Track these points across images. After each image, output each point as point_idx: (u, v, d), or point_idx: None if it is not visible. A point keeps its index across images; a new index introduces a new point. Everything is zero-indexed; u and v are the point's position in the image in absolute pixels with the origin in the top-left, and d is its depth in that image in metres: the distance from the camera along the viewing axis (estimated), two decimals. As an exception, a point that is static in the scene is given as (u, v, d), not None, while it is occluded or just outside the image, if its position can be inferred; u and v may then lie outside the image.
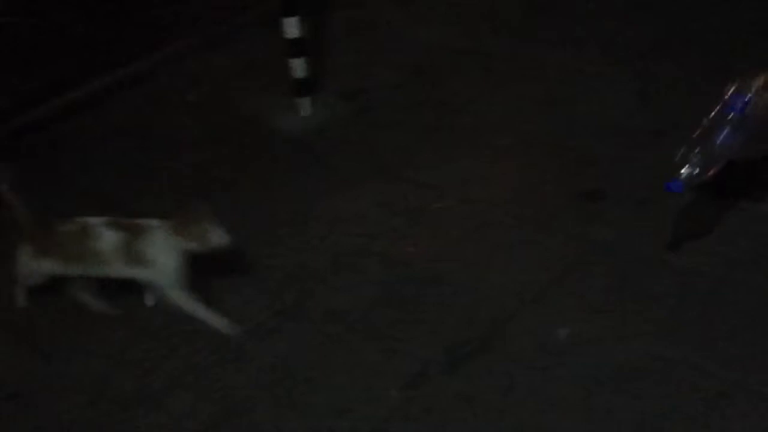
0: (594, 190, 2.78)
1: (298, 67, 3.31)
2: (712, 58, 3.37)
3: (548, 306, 2.36)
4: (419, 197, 2.84)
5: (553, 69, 3.48)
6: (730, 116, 2.21)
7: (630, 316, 2.29)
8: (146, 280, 2.42)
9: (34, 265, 2.44)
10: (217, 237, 2.33)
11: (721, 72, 2.44)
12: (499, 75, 3.50)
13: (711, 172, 2.21)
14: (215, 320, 2.39)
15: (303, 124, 3.33)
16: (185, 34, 3.93)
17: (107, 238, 2.36)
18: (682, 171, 2.20)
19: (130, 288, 2.45)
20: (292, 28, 3.23)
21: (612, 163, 2.89)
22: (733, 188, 2.63)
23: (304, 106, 3.38)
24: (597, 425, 2.00)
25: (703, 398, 2.03)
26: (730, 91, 2.24)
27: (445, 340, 2.28)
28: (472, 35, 3.82)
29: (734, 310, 2.27)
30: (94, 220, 2.39)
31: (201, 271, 2.38)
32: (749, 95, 2.21)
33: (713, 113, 2.23)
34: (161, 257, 2.35)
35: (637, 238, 2.56)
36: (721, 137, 2.21)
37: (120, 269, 2.38)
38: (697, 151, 2.20)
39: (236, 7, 4.12)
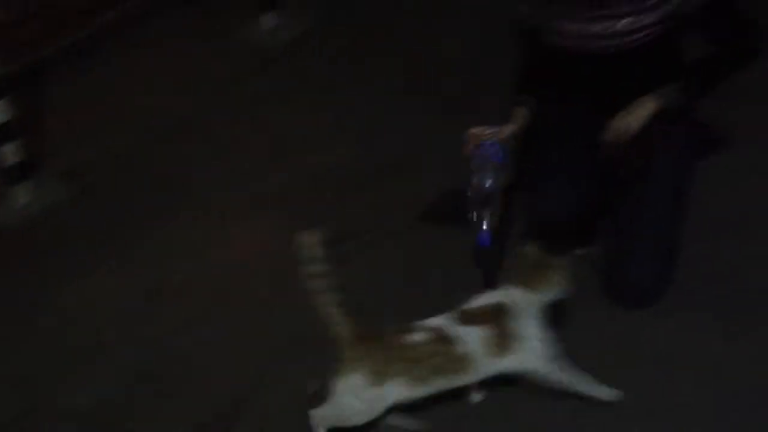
0: (332, 240, 2.81)
1: (10, 152, 3.10)
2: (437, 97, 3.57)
3: (304, 363, 2.34)
4: (154, 274, 2.74)
5: (275, 126, 3.53)
6: (489, 165, 2.34)
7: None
8: (512, 370, 1.99)
9: (369, 396, 1.90)
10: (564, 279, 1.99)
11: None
12: (224, 137, 3.48)
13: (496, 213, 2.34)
14: (599, 389, 2.02)
15: (20, 213, 3.11)
16: None
17: (471, 336, 1.93)
18: (482, 224, 2.30)
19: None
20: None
21: (346, 210, 2.95)
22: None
23: (21, 193, 3.16)
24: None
25: None
26: (472, 145, 2.37)
27: (196, 417, 2.19)
28: (196, 100, 3.78)
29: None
30: (439, 321, 1.96)
31: None
32: (496, 142, 2.34)
33: (474, 168, 2.35)
34: (531, 331, 1.95)
35: (376, 279, 2.62)
36: (489, 184, 2.33)
37: (485, 370, 1.96)
38: (479, 205, 2.32)
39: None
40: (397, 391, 1.93)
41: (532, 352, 1.97)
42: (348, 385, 1.92)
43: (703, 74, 2.31)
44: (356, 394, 1.92)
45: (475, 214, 2.32)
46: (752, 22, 2.27)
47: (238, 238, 2.89)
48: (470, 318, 1.98)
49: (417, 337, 1.94)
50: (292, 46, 4.18)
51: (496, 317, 1.98)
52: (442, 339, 1.94)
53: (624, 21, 2.24)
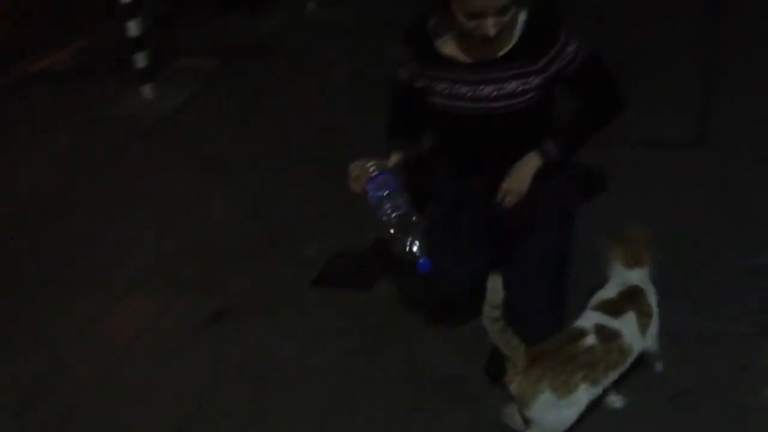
0: (222, 310, 2.77)
1: None
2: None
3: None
4: (36, 362, 2.62)
5: (159, 196, 3.47)
6: (390, 194, 2.26)
7: (274, 426, 2.29)
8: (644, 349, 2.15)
9: (565, 406, 1.98)
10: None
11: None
12: (110, 210, 3.40)
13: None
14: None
15: None
16: None
17: (628, 325, 2.09)
18: (416, 252, 2.20)
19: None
20: None
21: (233, 281, 2.91)
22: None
23: None
24: None
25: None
26: (362, 181, 2.29)
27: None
28: (71, 176, 3.68)
29: (359, 397, 2.37)
30: (592, 320, 2.09)
31: None
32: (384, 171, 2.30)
33: (373, 204, 2.27)
34: (656, 308, 2.15)
35: (271, 348, 2.58)
36: (400, 212, 2.25)
37: (636, 354, 2.11)
38: (403, 237, 2.22)
39: None
40: (587, 394, 2.03)
41: (656, 328, 2.17)
42: (542, 405, 2.00)
43: (579, 130, 2.42)
44: (553, 410, 2.01)
45: (404, 246, 2.23)
46: (617, 81, 2.40)
47: (125, 312, 2.80)
48: (617, 307, 2.13)
49: (588, 341, 2.05)
50: (174, 116, 4.15)
51: (637, 300, 2.14)
52: (609, 336, 2.07)
53: (513, 83, 2.32)
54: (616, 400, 2.20)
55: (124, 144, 3.93)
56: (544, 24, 2.31)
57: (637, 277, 2.20)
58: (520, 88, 2.32)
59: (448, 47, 2.36)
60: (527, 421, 2.05)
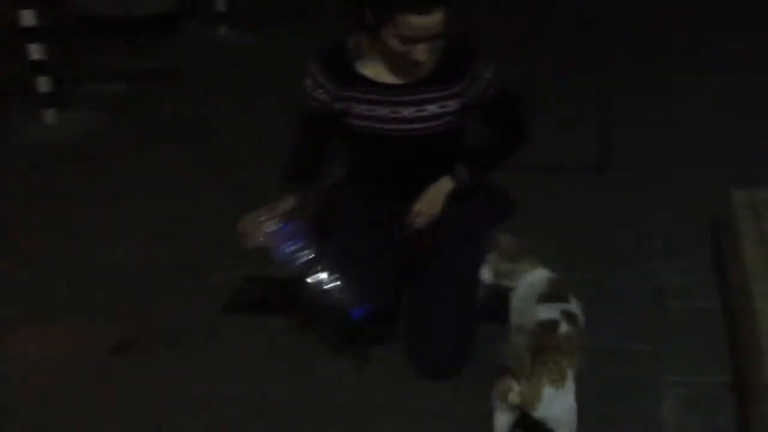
0: (127, 340, 2.70)
1: None
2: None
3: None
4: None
5: (65, 226, 3.38)
6: (298, 250, 2.22)
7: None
8: None
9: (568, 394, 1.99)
10: None
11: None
12: (7, 242, 3.28)
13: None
14: None
15: None
16: None
17: (577, 305, 2.19)
18: (346, 301, 2.20)
19: None
20: None
21: (138, 310, 2.85)
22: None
23: None
24: None
25: None
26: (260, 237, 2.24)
27: None
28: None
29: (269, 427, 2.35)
30: (552, 307, 2.13)
31: None
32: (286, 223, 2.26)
33: (282, 261, 2.23)
34: None
35: (179, 378, 2.53)
36: (305, 264, 2.22)
37: None
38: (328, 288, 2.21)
39: None
40: (571, 377, 2.03)
41: None
42: (547, 401, 1.98)
43: (489, 156, 2.50)
44: (557, 401, 2.00)
45: (331, 298, 2.20)
46: (524, 113, 2.51)
47: (28, 348, 2.70)
48: (562, 294, 2.19)
49: (562, 329, 2.08)
50: (78, 142, 4.06)
51: (570, 286, 2.24)
52: (574, 320, 2.12)
53: (432, 106, 2.36)
54: None
55: (26, 171, 3.82)
56: (464, 48, 2.38)
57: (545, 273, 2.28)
58: (439, 110, 2.37)
59: (369, 68, 2.37)
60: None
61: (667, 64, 4.37)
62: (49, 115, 4.18)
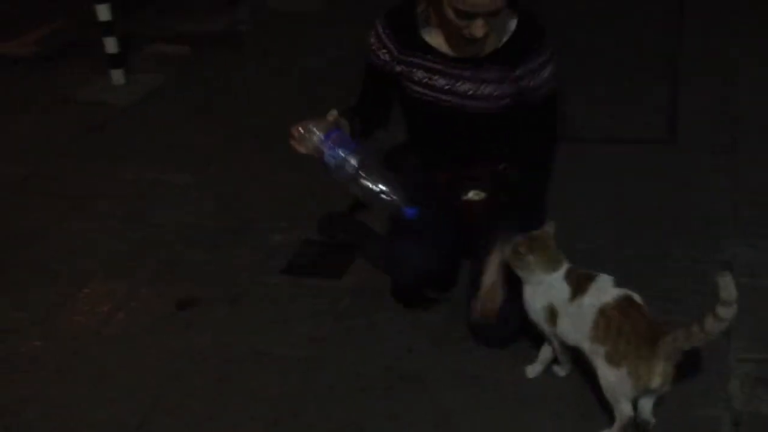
0: (187, 298, 2.74)
1: None
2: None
3: (155, 428, 2.25)
4: (4, 343, 2.57)
5: (127, 184, 3.42)
6: (348, 153, 2.12)
7: (236, 416, 2.27)
8: None
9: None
10: None
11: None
12: (72, 199, 3.34)
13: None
14: None
15: None
16: None
17: None
18: (398, 203, 2.11)
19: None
20: None
21: (199, 268, 2.88)
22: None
23: None
24: None
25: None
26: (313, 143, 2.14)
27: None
28: (44, 159, 3.62)
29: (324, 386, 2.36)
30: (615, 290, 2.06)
31: None
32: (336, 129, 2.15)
33: (334, 168, 2.12)
34: None
35: (236, 337, 2.56)
36: (364, 167, 2.11)
37: None
38: (379, 190, 2.11)
39: None
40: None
41: None
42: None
43: (531, 198, 2.41)
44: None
45: (383, 200, 2.11)
46: (556, 128, 2.42)
47: (86, 302, 2.75)
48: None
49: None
50: (142, 103, 4.10)
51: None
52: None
53: (490, 86, 2.30)
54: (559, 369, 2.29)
55: (91, 130, 3.87)
56: (533, 35, 2.29)
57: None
58: (496, 92, 2.32)
59: (434, 37, 2.33)
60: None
61: (733, 36, 4.23)
62: (117, 76, 4.21)
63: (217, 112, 3.97)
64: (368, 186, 2.11)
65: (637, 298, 2.06)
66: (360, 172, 2.10)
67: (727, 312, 1.88)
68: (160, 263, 2.92)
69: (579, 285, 2.10)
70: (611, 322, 2.01)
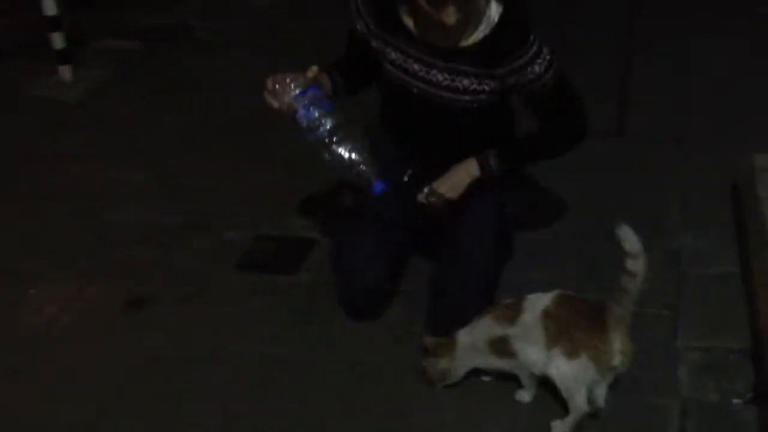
0: (139, 297, 2.70)
1: None
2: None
3: (106, 430, 2.22)
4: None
5: (79, 182, 3.37)
6: (323, 112, 2.04)
7: (191, 416, 2.25)
8: None
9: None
10: None
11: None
12: (22, 198, 3.28)
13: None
14: None
15: None
16: None
17: None
18: (368, 175, 2.02)
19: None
20: None
21: (152, 266, 2.85)
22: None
23: None
24: None
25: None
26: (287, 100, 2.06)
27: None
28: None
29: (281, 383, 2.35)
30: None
31: None
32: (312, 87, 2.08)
33: (308, 127, 2.05)
34: None
35: (191, 335, 2.54)
36: (329, 131, 2.02)
37: None
38: (348, 161, 2.03)
39: None
40: None
41: None
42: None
43: (531, 150, 2.32)
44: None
45: (352, 170, 2.02)
46: (582, 106, 2.29)
47: (36, 302, 2.71)
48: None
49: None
50: (91, 99, 4.04)
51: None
52: None
53: (466, 80, 2.22)
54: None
55: (40, 128, 3.80)
56: (516, 33, 2.17)
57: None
58: (473, 87, 2.23)
59: (411, 20, 2.23)
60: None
61: (688, 26, 4.29)
62: (65, 72, 4.14)
63: (170, 108, 3.92)
64: (339, 153, 2.01)
65: (569, 292, 2.10)
66: (333, 137, 2.00)
67: (634, 265, 1.89)
68: (112, 262, 2.88)
69: (511, 312, 2.12)
70: (559, 319, 2.04)
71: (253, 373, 2.38)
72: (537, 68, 2.19)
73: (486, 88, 2.23)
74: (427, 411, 2.22)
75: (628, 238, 1.87)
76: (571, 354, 2.01)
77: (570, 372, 2.03)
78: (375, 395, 2.28)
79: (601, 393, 2.08)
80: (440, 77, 2.24)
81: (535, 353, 2.08)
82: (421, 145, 2.39)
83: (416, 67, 2.25)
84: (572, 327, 2.02)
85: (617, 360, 2.00)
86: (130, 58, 4.47)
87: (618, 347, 1.99)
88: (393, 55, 2.28)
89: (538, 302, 2.09)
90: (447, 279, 2.39)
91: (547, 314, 2.06)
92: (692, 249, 2.73)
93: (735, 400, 2.16)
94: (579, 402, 2.04)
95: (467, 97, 2.25)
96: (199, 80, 4.17)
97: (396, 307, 2.57)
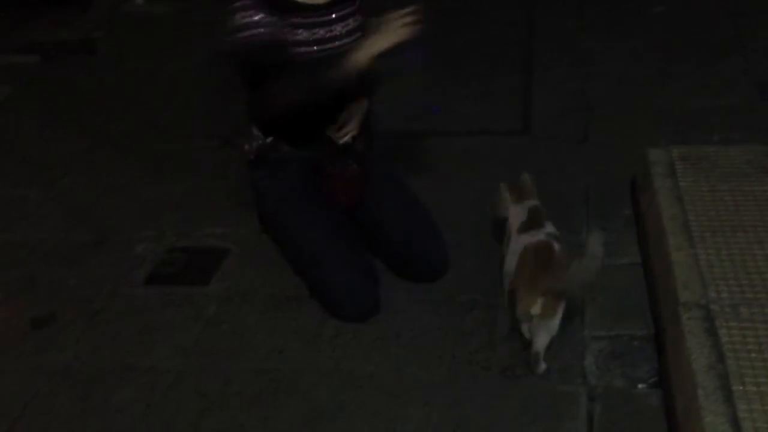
0: (44, 316, 2.63)
1: None
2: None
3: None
4: None
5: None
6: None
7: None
8: None
9: None
10: None
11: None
12: None
13: None
14: None
15: None
16: None
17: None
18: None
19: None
20: None
21: (56, 284, 2.77)
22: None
23: None
24: None
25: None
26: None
27: None
28: None
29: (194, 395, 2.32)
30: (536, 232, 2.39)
31: None
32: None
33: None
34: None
35: (99, 350, 2.48)
36: None
37: None
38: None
39: None
40: None
41: None
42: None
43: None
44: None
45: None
46: None
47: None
48: (539, 220, 2.46)
49: (556, 247, 2.33)
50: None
51: (542, 212, 2.53)
52: (559, 239, 2.40)
53: (350, 19, 2.47)
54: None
55: None
56: None
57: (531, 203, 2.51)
58: (355, 24, 2.48)
59: None
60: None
61: (585, 26, 4.41)
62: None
63: (71, 122, 3.82)
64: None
65: (556, 246, 2.32)
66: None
67: (588, 261, 2.20)
68: (14, 281, 2.79)
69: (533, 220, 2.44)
70: (525, 258, 2.30)
71: (165, 387, 2.34)
72: None
73: (359, 18, 2.50)
74: (343, 413, 2.22)
75: (595, 242, 2.25)
76: (512, 283, 2.30)
77: (507, 296, 2.34)
78: (290, 400, 2.27)
79: (540, 340, 2.24)
80: (339, 29, 2.46)
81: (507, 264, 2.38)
82: (330, 111, 2.53)
83: (322, 32, 2.43)
84: (525, 268, 2.27)
85: (535, 310, 2.18)
86: (29, 73, 4.34)
87: (540, 301, 2.18)
88: (303, 34, 2.41)
89: (533, 236, 2.37)
90: (405, 228, 2.60)
91: (525, 251, 2.32)
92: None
93: (640, 385, 2.24)
94: (502, 326, 2.38)
95: (356, 35, 2.47)
96: (101, 93, 4.08)
97: (309, 314, 2.56)
